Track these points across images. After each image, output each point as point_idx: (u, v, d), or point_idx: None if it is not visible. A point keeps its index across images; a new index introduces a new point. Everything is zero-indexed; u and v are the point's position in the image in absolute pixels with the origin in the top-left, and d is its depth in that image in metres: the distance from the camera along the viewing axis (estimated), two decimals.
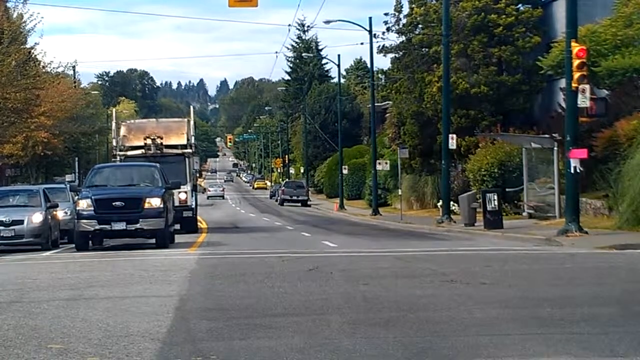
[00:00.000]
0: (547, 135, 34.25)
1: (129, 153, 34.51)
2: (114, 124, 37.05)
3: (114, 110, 39.70)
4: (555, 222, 30.80)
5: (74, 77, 73.41)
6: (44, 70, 55.71)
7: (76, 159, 70.36)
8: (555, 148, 32.95)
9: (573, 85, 24.34)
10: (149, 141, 34.45)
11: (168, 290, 12.84)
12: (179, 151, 34.86)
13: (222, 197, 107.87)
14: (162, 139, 34.60)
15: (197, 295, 12.30)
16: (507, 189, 37.39)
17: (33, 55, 54.97)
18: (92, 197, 24.46)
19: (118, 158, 34.61)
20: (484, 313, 10.18)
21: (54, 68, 59.76)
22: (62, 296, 12.48)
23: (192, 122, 36.99)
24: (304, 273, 14.90)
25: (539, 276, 14.54)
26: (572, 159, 24.68)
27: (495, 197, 31.42)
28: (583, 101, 24.36)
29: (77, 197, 26.45)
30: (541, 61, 35.42)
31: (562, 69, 35.30)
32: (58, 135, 60.76)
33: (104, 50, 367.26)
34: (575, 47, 24.42)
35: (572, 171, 24.74)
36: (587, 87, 24.47)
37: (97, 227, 24.36)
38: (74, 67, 71.44)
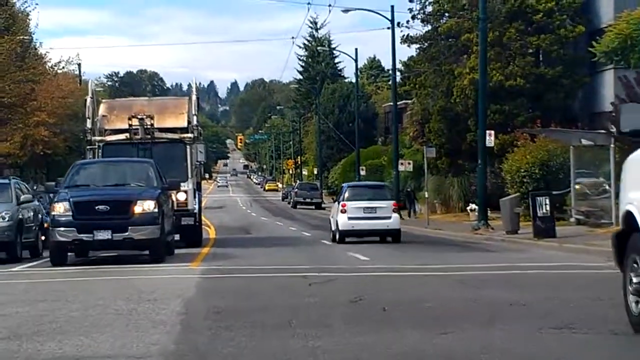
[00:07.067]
0: (603, 131, 30.15)
1: (109, 138, 26.84)
2: (89, 100, 27.45)
3: (90, 81, 29.09)
4: (612, 230, 26.64)
5: (79, 73, 69.65)
6: (40, 63, 52.58)
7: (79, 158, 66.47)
8: (612, 145, 29.00)
9: None
10: (135, 122, 26.39)
11: (147, 343, 8.52)
12: (177, 136, 26.94)
13: (226, 186, 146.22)
14: (153, 119, 26.63)
15: (190, 356, 8.06)
16: (552, 192, 33.34)
17: (32, 46, 51.95)
18: (71, 200, 19.83)
19: (96, 145, 26.66)
20: None
21: (55, 64, 56.47)
22: None
23: (194, 99, 28.08)
24: (345, 307, 10.72)
25: None
26: None
27: (547, 202, 27.35)
28: None
29: (54, 199, 21.51)
30: (594, 47, 31.23)
31: (618, 56, 31.32)
32: (59, 134, 57.17)
33: (114, 52, 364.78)
34: None
35: None
36: None
37: (77, 236, 19.70)
38: (79, 64, 67.70)
